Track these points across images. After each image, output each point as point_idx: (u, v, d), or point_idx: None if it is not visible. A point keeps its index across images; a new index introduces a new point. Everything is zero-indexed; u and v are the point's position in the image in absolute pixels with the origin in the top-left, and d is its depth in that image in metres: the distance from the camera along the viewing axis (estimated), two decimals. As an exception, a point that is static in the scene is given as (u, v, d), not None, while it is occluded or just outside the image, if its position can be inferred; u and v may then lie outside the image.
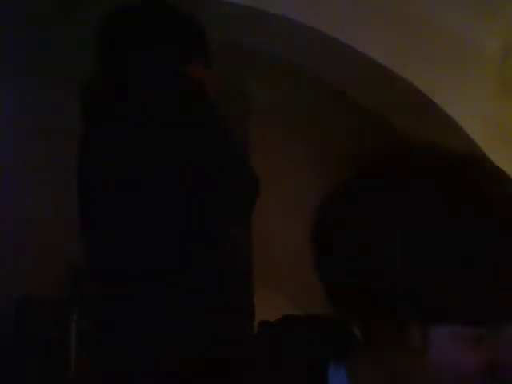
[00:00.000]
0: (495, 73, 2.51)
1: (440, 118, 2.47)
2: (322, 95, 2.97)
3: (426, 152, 0.67)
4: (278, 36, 2.46)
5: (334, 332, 0.77)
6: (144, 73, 1.70)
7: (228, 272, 1.70)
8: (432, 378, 0.63)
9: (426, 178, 0.63)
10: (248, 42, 2.54)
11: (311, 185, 3.26)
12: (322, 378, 0.73)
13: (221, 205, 1.69)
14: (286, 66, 2.70)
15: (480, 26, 2.47)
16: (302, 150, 3.26)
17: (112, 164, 1.67)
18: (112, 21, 1.80)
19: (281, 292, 3.01)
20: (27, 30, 2.65)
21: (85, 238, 1.73)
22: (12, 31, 2.69)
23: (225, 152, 1.67)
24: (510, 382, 0.60)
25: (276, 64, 2.75)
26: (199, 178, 1.65)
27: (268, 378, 0.76)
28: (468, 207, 0.60)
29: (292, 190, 3.21)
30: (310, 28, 2.35)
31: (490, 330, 0.61)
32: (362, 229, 0.64)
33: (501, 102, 2.51)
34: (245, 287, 2.01)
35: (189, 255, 1.64)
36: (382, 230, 0.62)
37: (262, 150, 3.19)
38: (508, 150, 2.40)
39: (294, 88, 3.08)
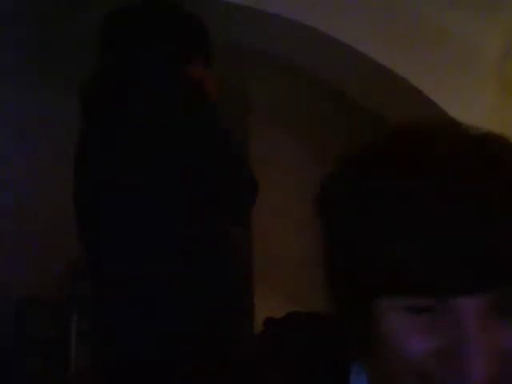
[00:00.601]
0: (495, 73, 2.51)
1: (440, 118, 2.47)
2: (322, 95, 2.97)
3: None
4: (278, 36, 2.46)
5: (340, 331, 0.77)
6: (144, 73, 1.70)
7: (228, 272, 1.70)
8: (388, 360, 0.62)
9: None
10: (248, 41, 2.54)
11: (311, 185, 3.26)
12: (337, 378, 0.72)
13: (220, 205, 1.69)
14: (286, 66, 2.70)
15: (480, 25, 2.47)
16: (302, 150, 3.26)
17: (112, 164, 1.67)
18: (112, 20, 1.80)
19: (281, 292, 3.01)
20: (27, 29, 2.65)
21: (84, 238, 1.73)
22: (12, 31, 2.69)
23: (224, 152, 1.67)
24: (461, 373, 0.58)
25: (276, 64, 2.75)
26: (199, 178, 1.65)
27: (268, 378, 0.76)
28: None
29: (292, 189, 3.21)
30: (310, 28, 2.35)
31: (438, 302, 0.59)
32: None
33: (501, 101, 2.51)
34: (245, 287, 2.01)
35: (189, 255, 1.64)
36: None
37: (262, 150, 3.19)
38: (508, 150, 2.40)
39: (294, 88, 3.08)
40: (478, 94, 2.49)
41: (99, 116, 1.73)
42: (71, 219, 1.78)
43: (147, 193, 1.64)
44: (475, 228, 0.58)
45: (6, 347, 2.79)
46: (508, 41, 2.50)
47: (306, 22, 2.35)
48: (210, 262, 1.66)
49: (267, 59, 2.69)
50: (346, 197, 0.66)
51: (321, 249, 0.69)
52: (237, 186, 1.69)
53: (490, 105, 2.49)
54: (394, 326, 0.61)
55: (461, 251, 0.58)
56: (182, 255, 1.63)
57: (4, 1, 2.33)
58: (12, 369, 2.77)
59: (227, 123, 1.72)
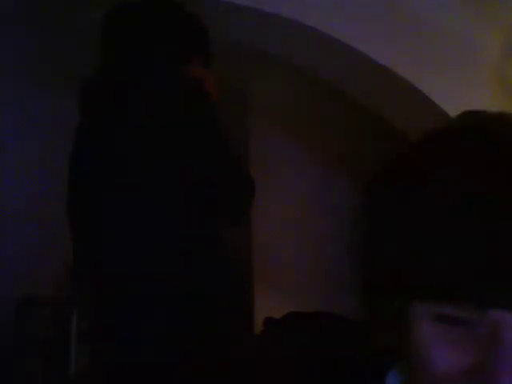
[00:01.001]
0: (495, 73, 2.51)
1: (440, 118, 2.47)
2: (322, 95, 2.97)
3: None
4: (278, 36, 2.46)
5: (340, 331, 0.77)
6: (144, 72, 1.70)
7: (228, 272, 1.70)
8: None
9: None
10: (248, 41, 2.54)
11: (311, 185, 3.27)
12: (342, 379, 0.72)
13: (220, 205, 1.69)
14: (286, 66, 2.70)
15: (480, 25, 2.47)
16: (302, 150, 3.27)
17: (112, 164, 1.67)
18: (112, 20, 1.80)
19: (280, 292, 3.01)
20: (27, 29, 2.65)
21: (82, 239, 1.73)
22: (12, 31, 2.69)
23: (224, 152, 1.67)
24: None
25: (276, 64, 2.75)
26: (199, 178, 1.65)
27: (268, 378, 0.76)
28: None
29: (292, 190, 3.21)
30: (310, 28, 2.35)
31: (475, 313, 0.54)
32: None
33: (501, 101, 2.51)
34: (245, 287, 2.01)
35: (189, 255, 1.64)
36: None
37: (262, 150, 3.19)
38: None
39: (294, 88, 3.09)
40: (478, 94, 2.49)
41: (99, 116, 1.73)
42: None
43: (147, 193, 1.64)
44: None
45: (6, 347, 2.78)
46: (508, 41, 2.50)
47: (306, 22, 2.35)
48: (209, 262, 1.66)
49: (267, 59, 2.69)
50: (396, 206, 0.59)
51: (360, 254, 0.63)
52: (235, 187, 1.69)
53: (489, 105, 2.49)
54: (425, 335, 0.56)
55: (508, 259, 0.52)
56: (182, 255, 1.63)
57: (4, 1, 2.33)
58: (12, 369, 2.77)
59: (227, 123, 1.72)
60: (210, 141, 1.66)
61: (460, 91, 2.47)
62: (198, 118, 1.65)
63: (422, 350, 0.56)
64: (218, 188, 1.68)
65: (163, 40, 1.76)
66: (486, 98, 2.50)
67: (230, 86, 2.86)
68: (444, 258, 0.53)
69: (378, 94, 2.63)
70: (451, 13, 2.45)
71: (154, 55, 1.74)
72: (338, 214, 2.60)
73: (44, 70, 2.96)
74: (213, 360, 1.52)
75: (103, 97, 1.73)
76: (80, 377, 2.67)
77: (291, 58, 2.61)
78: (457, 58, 2.49)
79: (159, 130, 1.64)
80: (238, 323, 1.71)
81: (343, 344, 0.76)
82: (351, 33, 2.39)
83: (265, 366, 0.76)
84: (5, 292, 2.80)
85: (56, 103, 2.94)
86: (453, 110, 2.46)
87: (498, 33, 2.49)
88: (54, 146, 2.91)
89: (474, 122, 0.61)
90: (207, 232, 1.68)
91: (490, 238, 0.52)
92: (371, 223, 0.61)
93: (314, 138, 3.27)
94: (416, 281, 0.55)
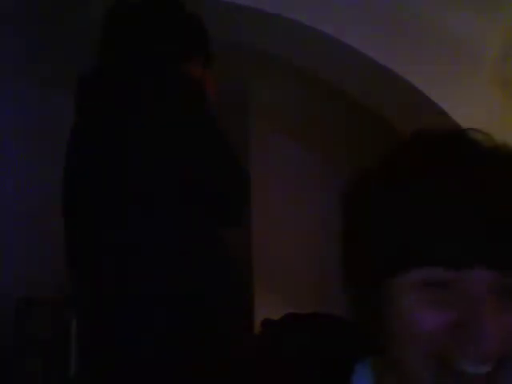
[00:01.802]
0: (495, 73, 2.51)
1: (440, 118, 2.47)
2: (322, 95, 2.97)
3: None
4: (278, 36, 2.46)
5: (340, 331, 0.78)
6: (144, 72, 1.70)
7: (228, 272, 1.70)
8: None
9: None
10: (248, 41, 2.54)
11: (311, 185, 3.27)
12: (336, 378, 0.73)
13: (220, 205, 1.69)
14: (286, 66, 2.70)
15: (480, 25, 2.47)
16: (302, 150, 3.27)
17: (111, 164, 1.67)
18: (112, 20, 1.80)
19: (280, 292, 3.01)
20: (27, 29, 2.65)
21: (80, 239, 1.73)
22: (12, 31, 2.69)
23: (224, 152, 1.67)
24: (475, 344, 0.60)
25: (276, 64, 2.75)
26: (198, 178, 1.65)
27: (268, 378, 0.76)
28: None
29: (292, 189, 3.21)
30: (310, 28, 2.35)
31: (451, 274, 0.62)
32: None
33: (501, 102, 2.51)
34: (245, 287, 2.01)
35: (189, 255, 1.63)
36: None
37: (262, 149, 3.19)
38: (508, 150, 2.40)
39: (294, 88, 3.09)
40: (478, 94, 2.49)
41: (98, 115, 1.72)
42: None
43: (147, 193, 1.63)
44: (487, 206, 0.61)
45: (6, 347, 2.79)
46: (508, 41, 2.50)
47: (306, 22, 2.35)
48: (209, 262, 1.66)
49: (267, 59, 2.69)
50: (381, 188, 0.68)
51: (342, 230, 0.72)
52: (235, 186, 1.69)
53: (490, 105, 2.49)
54: (408, 302, 0.63)
55: (475, 224, 0.61)
56: (182, 255, 1.63)
57: (4, 1, 2.33)
58: (12, 369, 2.77)
59: (227, 123, 1.71)
60: (210, 141, 1.66)
61: (460, 91, 2.47)
62: (198, 117, 1.65)
63: (409, 314, 0.63)
64: (218, 188, 1.68)
65: (163, 40, 1.76)
66: (486, 98, 2.51)
67: (230, 86, 2.86)
68: (430, 231, 0.62)
69: (378, 94, 2.63)
70: (451, 13, 2.45)
71: (154, 55, 1.74)
72: (338, 214, 2.59)
73: (44, 70, 2.96)
74: (213, 360, 1.52)
75: (103, 97, 1.73)
76: (80, 377, 2.67)
77: (291, 57, 2.61)
78: (457, 58, 2.49)
79: (159, 130, 1.64)
80: (238, 323, 1.71)
81: (343, 344, 0.76)
82: (351, 33, 2.39)
83: (265, 366, 0.77)
84: (5, 292, 2.80)
85: (56, 103, 2.94)
86: (453, 109, 2.46)
87: (498, 33, 2.49)
88: (54, 145, 2.91)
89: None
90: (207, 232, 1.68)
91: (462, 215, 0.61)
92: (370, 210, 0.68)
93: (314, 138, 3.27)
94: (407, 252, 0.63)
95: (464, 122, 2.47)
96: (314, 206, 3.13)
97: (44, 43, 2.79)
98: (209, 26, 1.86)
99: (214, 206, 1.68)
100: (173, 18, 1.79)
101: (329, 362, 0.74)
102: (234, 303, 1.71)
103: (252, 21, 2.38)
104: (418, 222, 0.62)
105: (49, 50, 2.83)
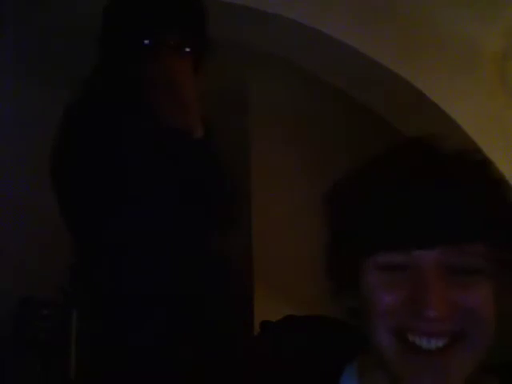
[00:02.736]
0: (495, 73, 2.51)
1: (440, 118, 2.48)
2: (322, 95, 2.97)
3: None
4: (278, 36, 2.46)
5: (337, 333, 0.79)
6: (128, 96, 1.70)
7: (228, 272, 1.70)
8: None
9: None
10: (248, 41, 2.54)
11: (311, 185, 3.26)
12: (330, 379, 0.74)
13: (220, 205, 1.70)
14: (286, 66, 2.70)
15: (480, 26, 2.47)
16: (302, 150, 3.27)
17: (110, 165, 1.66)
18: (112, 19, 1.80)
19: (281, 292, 3.01)
20: (27, 30, 2.65)
21: (80, 241, 1.73)
22: (12, 31, 2.69)
23: (220, 161, 1.67)
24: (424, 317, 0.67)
25: (276, 64, 2.75)
26: (197, 180, 1.65)
27: (268, 378, 0.76)
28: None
29: (292, 189, 3.21)
30: (310, 28, 2.35)
31: (405, 257, 0.70)
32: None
33: (501, 101, 2.51)
34: (245, 287, 2.01)
35: (189, 255, 1.64)
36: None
37: (262, 150, 3.19)
38: (508, 150, 2.40)
39: (294, 88, 3.09)
40: (478, 94, 2.50)
41: (98, 115, 1.72)
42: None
43: (146, 194, 1.63)
44: (433, 199, 0.70)
45: (6, 347, 2.79)
46: (509, 41, 2.50)
47: (306, 22, 2.35)
48: (209, 263, 1.66)
49: (267, 59, 2.69)
50: (354, 185, 0.82)
51: (325, 225, 0.85)
52: (232, 189, 1.70)
53: (489, 105, 2.49)
54: (372, 283, 0.73)
55: (418, 210, 0.70)
56: (182, 255, 1.63)
57: (4, 1, 2.33)
58: (12, 369, 2.77)
59: (227, 123, 1.71)
60: (208, 147, 1.65)
61: (460, 91, 2.47)
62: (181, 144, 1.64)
63: (372, 294, 0.73)
64: (218, 189, 1.68)
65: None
66: (486, 98, 2.51)
67: (230, 86, 2.87)
68: (379, 223, 0.72)
69: (378, 94, 2.63)
70: (451, 13, 2.45)
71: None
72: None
73: (44, 70, 2.96)
74: (213, 360, 1.52)
75: (102, 96, 1.73)
76: (80, 377, 2.67)
77: (291, 57, 2.61)
78: (457, 58, 2.49)
79: (154, 139, 1.63)
80: (238, 323, 1.71)
81: (337, 346, 0.76)
82: (351, 33, 2.39)
83: (264, 366, 0.77)
84: (5, 292, 2.80)
85: (56, 103, 2.93)
86: (453, 109, 2.46)
87: (498, 33, 2.49)
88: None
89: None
90: (207, 232, 1.68)
91: (403, 207, 0.71)
92: (343, 211, 0.82)
93: (314, 138, 3.27)
94: (365, 241, 0.73)
95: (464, 122, 2.47)
96: (313, 206, 3.13)
97: (44, 43, 2.79)
98: (209, 26, 1.85)
99: (213, 206, 1.68)
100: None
101: (323, 364, 0.75)
102: (234, 303, 1.72)
103: (252, 21, 2.38)
104: (370, 218, 0.72)
105: (49, 49, 2.84)
